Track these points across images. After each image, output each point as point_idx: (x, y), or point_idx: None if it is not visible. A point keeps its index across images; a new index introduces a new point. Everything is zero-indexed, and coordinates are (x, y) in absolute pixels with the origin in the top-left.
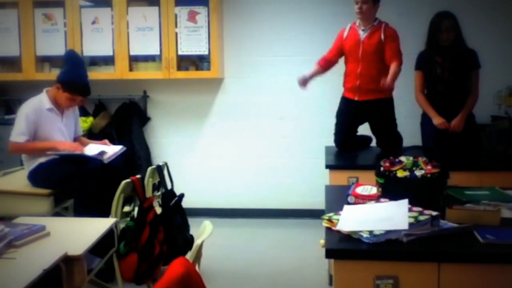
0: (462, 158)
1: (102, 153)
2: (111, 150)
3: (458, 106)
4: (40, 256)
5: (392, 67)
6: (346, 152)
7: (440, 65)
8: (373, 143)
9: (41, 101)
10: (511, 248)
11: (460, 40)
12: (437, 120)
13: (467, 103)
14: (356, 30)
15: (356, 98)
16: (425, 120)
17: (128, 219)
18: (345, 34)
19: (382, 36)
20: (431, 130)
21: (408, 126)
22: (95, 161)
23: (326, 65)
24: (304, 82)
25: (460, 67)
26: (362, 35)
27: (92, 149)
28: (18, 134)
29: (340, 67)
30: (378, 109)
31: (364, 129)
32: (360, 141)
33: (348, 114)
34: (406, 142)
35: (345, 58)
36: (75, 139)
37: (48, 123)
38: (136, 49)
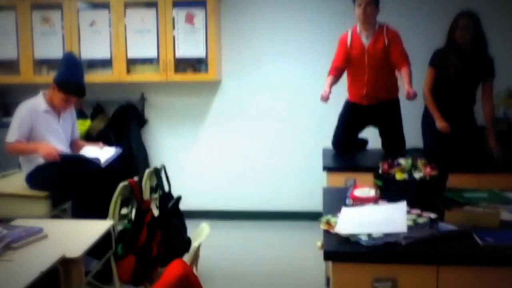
0: (461, 159)
1: (97, 158)
2: (106, 153)
3: (463, 112)
4: (37, 258)
5: (405, 74)
6: (344, 155)
7: (453, 66)
8: (370, 146)
9: (37, 103)
10: (510, 251)
11: (481, 46)
12: (440, 123)
13: (488, 116)
14: (358, 36)
15: (363, 104)
16: (427, 121)
17: (126, 221)
18: (349, 41)
19: (386, 41)
20: (433, 131)
21: (410, 127)
22: (92, 163)
23: (338, 73)
24: (326, 96)
25: (474, 73)
26: (366, 42)
27: (87, 152)
28: (10, 134)
29: None
30: (386, 111)
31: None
32: (357, 144)
33: (352, 119)
34: (407, 144)
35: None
36: (72, 142)
37: (44, 124)
38: (134, 52)
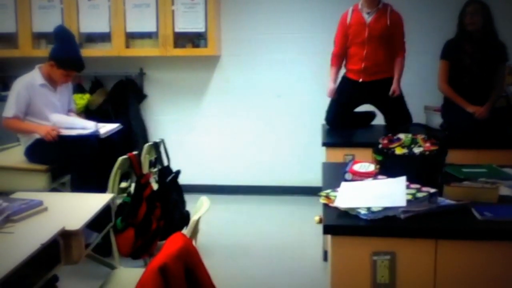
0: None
1: (96, 130)
2: (107, 126)
3: (482, 99)
4: (38, 231)
5: (397, 69)
6: (338, 130)
7: (469, 55)
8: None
9: (34, 77)
10: (508, 225)
11: (491, 32)
12: (472, 108)
13: (492, 96)
14: (360, 13)
15: (360, 80)
16: (451, 110)
17: (125, 195)
18: (349, 19)
19: (389, 22)
20: (460, 118)
21: (410, 104)
22: (91, 136)
23: (340, 60)
24: (333, 95)
25: (490, 59)
26: (368, 18)
27: (85, 123)
28: (7, 109)
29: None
30: (385, 90)
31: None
32: (360, 117)
33: (348, 95)
34: None
35: (348, 41)
36: (68, 113)
37: (41, 98)
38: (133, 26)
